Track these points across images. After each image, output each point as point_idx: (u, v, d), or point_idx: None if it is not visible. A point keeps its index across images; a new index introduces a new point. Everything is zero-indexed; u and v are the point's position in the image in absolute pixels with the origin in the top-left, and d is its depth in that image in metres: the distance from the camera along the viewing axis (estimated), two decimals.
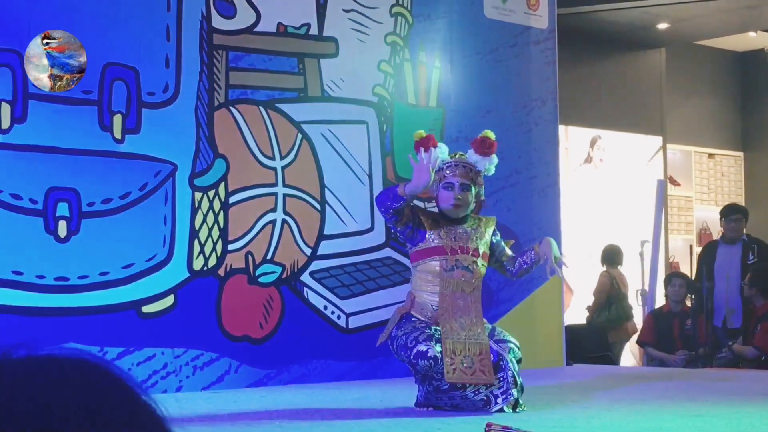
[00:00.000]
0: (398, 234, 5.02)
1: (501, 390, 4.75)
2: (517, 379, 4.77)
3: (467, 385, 4.74)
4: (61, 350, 0.83)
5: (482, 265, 4.93)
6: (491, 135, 4.96)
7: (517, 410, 4.77)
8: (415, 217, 4.87)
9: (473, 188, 4.90)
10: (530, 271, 5.16)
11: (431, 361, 4.68)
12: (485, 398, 4.74)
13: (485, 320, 4.95)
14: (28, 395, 0.77)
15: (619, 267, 9.46)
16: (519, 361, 4.84)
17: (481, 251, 4.93)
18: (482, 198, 5.03)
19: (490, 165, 4.95)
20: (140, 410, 0.81)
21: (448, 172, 4.87)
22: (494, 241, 5.05)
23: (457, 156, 4.94)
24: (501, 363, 4.76)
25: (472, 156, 4.94)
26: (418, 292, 4.91)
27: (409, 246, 4.97)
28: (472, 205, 4.94)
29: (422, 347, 4.69)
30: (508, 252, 5.11)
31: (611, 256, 9.42)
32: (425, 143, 4.84)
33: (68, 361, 0.81)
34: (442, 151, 4.89)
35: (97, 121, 5.64)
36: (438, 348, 4.71)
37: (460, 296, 4.82)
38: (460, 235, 4.89)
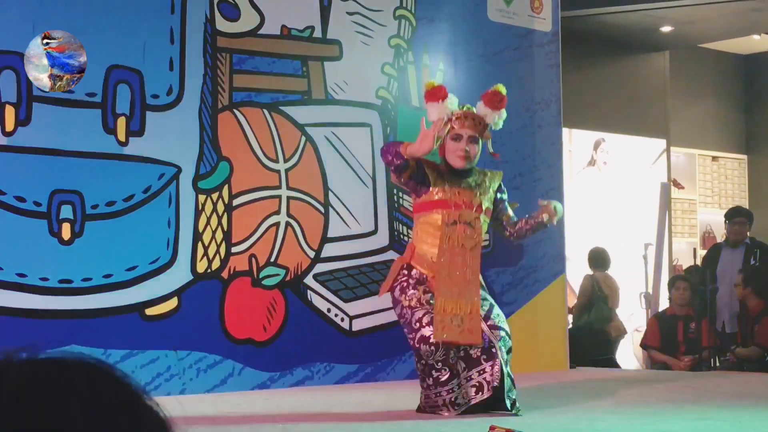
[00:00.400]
0: (403, 185, 4.97)
1: (491, 375, 4.71)
2: (504, 368, 4.73)
3: (461, 372, 4.72)
4: (63, 353, 0.83)
5: (485, 221, 4.89)
6: (502, 89, 4.90)
7: (513, 410, 4.74)
8: (419, 170, 4.81)
9: (480, 141, 4.86)
10: (531, 234, 5.11)
11: (433, 347, 4.68)
12: (477, 384, 4.72)
13: (489, 296, 4.91)
14: (32, 398, 0.77)
15: (606, 270, 9.36)
16: (509, 351, 4.82)
17: (484, 207, 4.88)
18: (491, 151, 4.95)
19: (499, 119, 4.89)
20: (143, 413, 0.81)
21: (456, 123, 4.81)
22: (498, 197, 5.00)
23: (466, 108, 4.89)
24: (492, 350, 4.74)
25: (481, 109, 4.87)
26: (419, 244, 4.86)
27: (414, 197, 4.94)
28: (477, 159, 4.90)
29: (426, 332, 4.69)
30: (510, 213, 5.06)
31: (596, 259, 9.36)
32: (436, 94, 4.81)
33: (71, 364, 0.81)
34: (452, 103, 4.84)
35: (101, 124, 5.64)
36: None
37: (459, 252, 4.76)
38: (464, 189, 4.84)
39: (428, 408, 4.80)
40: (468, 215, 4.79)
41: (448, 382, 4.74)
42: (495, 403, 4.76)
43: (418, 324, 4.71)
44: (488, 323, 4.78)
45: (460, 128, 4.80)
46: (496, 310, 4.88)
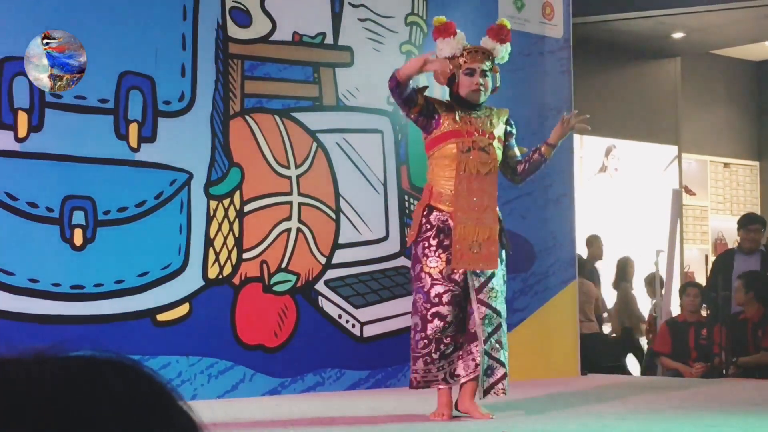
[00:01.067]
0: (413, 121, 5.00)
1: (500, 352, 4.80)
2: (481, 347, 4.76)
3: (464, 346, 4.78)
4: (96, 352, 0.83)
5: (498, 148, 4.92)
6: (507, 23, 5.02)
7: (489, 394, 4.78)
8: (428, 105, 4.87)
9: (490, 73, 4.91)
10: (535, 171, 5.10)
11: (446, 325, 4.74)
12: (475, 360, 4.78)
13: (503, 266, 4.89)
14: (64, 396, 0.77)
15: (585, 277, 9.27)
16: (498, 328, 4.81)
17: (496, 135, 4.92)
18: (497, 85, 5.00)
19: (505, 52, 4.97)
20: (175, 414, 0.81)
21: (468, 57, 4.88)
22: (508, 129, 5.02)
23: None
24: (495, 321, 4.79)
25: (488, 43, 4.95)
26: (435, 180, 4.87)
27: (425, 135, 4.95)
28: (489, 93, 4.94)
29: (443, 310, 4.73)
30: (516, 151, 5.06)
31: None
32: (447, 30, 4.91)
33: (104, 363, 0.81)
34: (461, 38, 4.92)
35: (113, 130, 5.66)
36: (452, 311, 4.71)
37: (475, 178, 4.80)
38: (475, 119, 4.89)
39: (424, 382, 4.83)
40: (481, 141, 4.84)
41: (451, 354, 4.81)
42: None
43: (437, 299, 4.74)
44: (477, 296, 4.79)
45: (473, 62, 4.87)
46: (493, 284, 4.83)
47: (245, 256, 6.06)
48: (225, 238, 6.00)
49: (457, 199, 4.77)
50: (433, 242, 4.78)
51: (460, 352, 4.82)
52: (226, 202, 6.02)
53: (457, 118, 4.85)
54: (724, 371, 7.84)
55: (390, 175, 6.70)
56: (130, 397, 0.79)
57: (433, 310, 4.75)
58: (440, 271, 4.76)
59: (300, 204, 6.31)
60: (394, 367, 6.55)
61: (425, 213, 4.83)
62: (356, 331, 6.47)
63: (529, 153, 5.05)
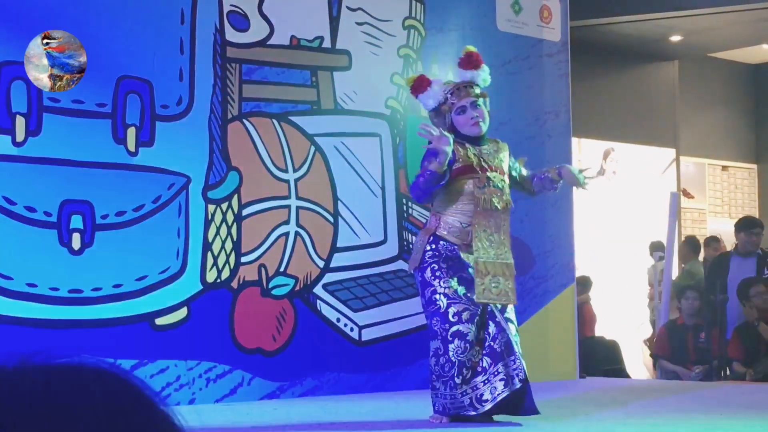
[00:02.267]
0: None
1: (514, 369, 4.72)
2: (523, 362, 4.77)
3: (488, 368, 4.70)
4: (79, 358, 0.83)
5: (508, 184, 4.95)
6: (472, 48, 5.07)
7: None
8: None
9: (480, 101, 4.93)
10: (548, 191, 5.17)
11: (467, 344, 4.67)
12: (505, 378, 4.71)
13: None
14: (46, 404, 0.77)
15: None
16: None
17: (505, 170, 4.96)
18: (488, 109, 5.02)
19: (485, 76, 5.00)
20: (158, 420, 0.81)
21: (453, 98, 4.89)
22: (510, 164, 5.05)
23: (449, 83, 4.98)
24: (512, 346, 4.74)
25: (464, 75, 4.98)
26: (446, 213, 4.84)
27: None
28: (488, 122, 4.96)
29: (463, 328, 4.68)
30: (524, 171, 5.11)
31: None
32: (421, 85, 4.93)
33: (87, 370, 0.81)
34: (438, 88, 4.93)
35: (111, 134, 5.66)
36: (474, 330, 4.68)
37: (491, 214, 4.80)
38: (486, 154, 4.90)
39: (454, 410, 4.74)
40: (495, 177, 4.85)
41: (472, 379, 4.71)
42: (519, 404, 4.77)
43: (456, 318, 4.69)
44: (503, 316, 4.79)
45: (459, 100, 4.88)
46: (511, 306, 4.88)
47: (243, 259, 6.06)
48: (223, 242, 6.00)
49: (476, 234, 4.75)
50: (443, 265, 4.77)
51: (486, 376, 4.71)
52: (225, 206, 6.02)
53: (470, 154, 4.83)
54: (724, 373, 7.84)
55: (388, 178, 6.69)
56: (111, 403, 0.79)
57: (453, 329, 4.68)
58: (455, 291, 4.73)
59: (298, 208, 6.30)
60: (393, 371, 6.55)
61: (431, 241, 4.80)
62: (355, 335, 6.46)
63: (544, 171, 5.10)
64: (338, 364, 6.35)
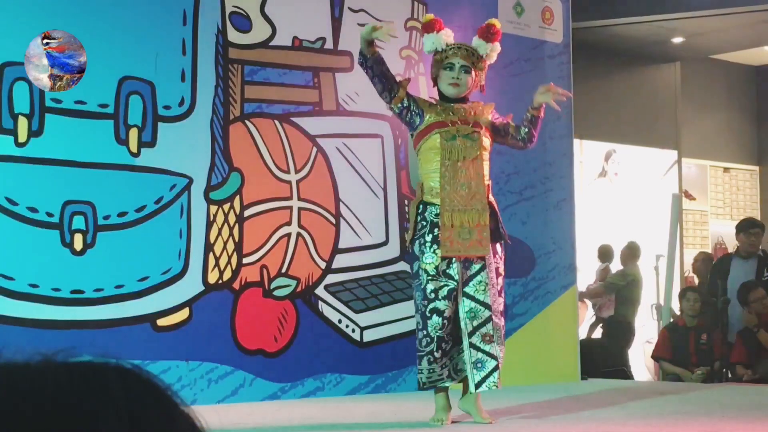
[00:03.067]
0: (399, 117, 5.05)
1: (490, 345, 4.79)
2: (465, 341, 4.79)
3: (467, 346, 4.77)
4: (102, 358, 0.83)
5: (485, 136, 4.93)
6: (497, 23, 5.11)
7: (482, 387, 4.78)
8: (412, 101, 4.94)
9: (473, 72, 4.98)
10: (536, 128, 5.12)
11: (445, 320, 4.76)
12: (478, 360, 4.78)
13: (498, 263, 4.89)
14: (68, 401, 0.78)
15: None
16: (486, 321, 4.81)
17: (482, 125, 4.94)
18: (482, 83, 5.08)
19: (492, 51, 5.04)
20: (180, 421, 0.82)
21: (450, 52, 4.97)
22: (497, 123, 5.04)
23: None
24: (483, 314, 4.79)
25: (475, 41, 5.04)
26: (425, 175, 4.91)
27: (411, 132, 5.01)
28: (468, 88, 4.99)
29: (441, 305, 4.76)
30: (507, 120, 5.11)
31: None
32: (433, 25, 5.02)
33: (108, 369, 0.82)
34: (447, 35, 5.02)
35: (114, 135, 5.66)
36: (450, 305, 4.74)
37: (461, 164, 4.82)
38: (458, 110, 4.94)
39: (430, 383, 4.85)
40: (465, 129, 4.87)
41: (451, 349, 4.83)
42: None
43: (434, 295, 4.77)
44: (464, 289, 4.82)
45: (453, 57, 4.96)
46: (482, 277, 4.83)
47: (245, 260, 6.06)
48: (225, 243, 6.00)
49: (443, 187, 4.79)
50: (428, 238, 4.80)
51: (461, 347, 4.84)
52: (226, 206, 6.02)
53: (440, 110, 4.91)
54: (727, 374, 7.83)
55: (390, 180, 6.70)
56: (132, 402, 0.79)
57: (431, 306, 4.77)
58: (435, 267, 4.78)
59: (300, 209, 6.31)
60: (394, 372, 6.55)
61: (419, 210, 4.86)
62: (356, 336, 6.46)
63: (523, 120, 5.09)
64: (340, 365, 6.35)
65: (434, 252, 4.78)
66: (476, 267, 4.82)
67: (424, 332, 4.81)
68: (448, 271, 4.79)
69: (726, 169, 12.51)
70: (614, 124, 10.94)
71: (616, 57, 10.85)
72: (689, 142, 11.74)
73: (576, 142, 8.37)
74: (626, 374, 8.73)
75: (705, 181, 12.23)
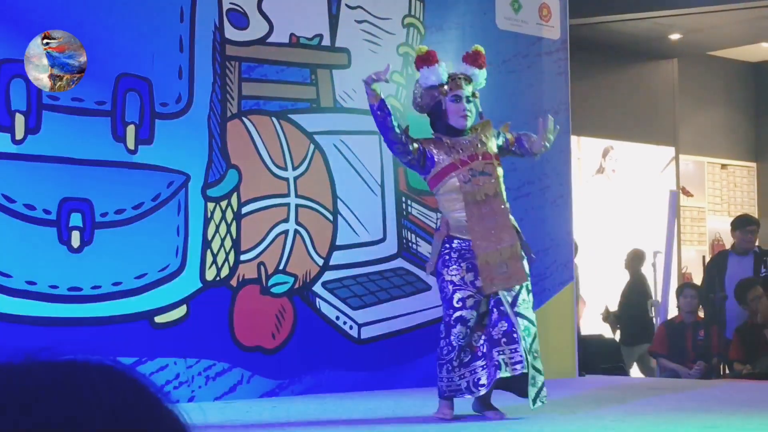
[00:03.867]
0: (409, 164, 5.07)
1: (513, 361, 4.77)
2: (527, 357, 4.78)
3: (486, 353, 4.79)
4: (84, 355, 0.83)
5: (497, 165, 5.02)
6: (481, 49, 5.16)
7: (534, 405, 4.80)
8: (419, 142, 4.97)
9: (472, 99, 5.02)
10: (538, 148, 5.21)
11: (468, 329, 4.79)
12: (497, 363, 4.76)
13: (525, 266, 4.96)
14: (51, 399, 0.77)
15: None
16: (534, 338, 4.89)
17: (492, 153, 5.02)
18: (480, 110, 5.13)
19: (482, 78, 5.11)
20: (162, 417, 0.82)
21: (453, 84, 4.98)
22: (500, 143, 5.12)
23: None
24: (514, 335, 4.79)
25: (465, 69, 5.08)
26: (449, 214, 4.98)
27: (424, 176, 5.06)
28: (473, 117, 5.05)
29: (466, 314, 4.79)
30: (509, 136, 5.17)
31: None
32: (430, 58, 5.01)
33: (92, 366, 0.82)
34: (443, 70, 5.01)
35: (111, 132, 5.66)
36: (476, 316, 4.79)
37: (484, 203, 4.89)
38: (464, 145, 4.97)
39: (449, 392, 4.85)
40: (478, 165, 4.93)
41: (471, 363, 4.82)
42: (518, 387, 4.87)
43: (460, 303, 4.80)
44: (513, 309, 4.85)
45: (458, 89, 4.97)
46: (523, 295, 4.92)
47: (243, 257, 6.06)
48: (222, 240, 6.00)
49: (472, 229, 4.86)
50: (454, 255, 4.89)
51: (484, 361, 4.81)
52: (224, 203, 6.02)
53: (447, 150, 4.94)
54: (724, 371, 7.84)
55: (387, 176, 6.69)
56: (115, 400, 0.79)
57: (456, 314, 4.80)
58: (462, 277, 4.84)
59: (297, 206, 6.30)
60: (392, 369, 6.55)
61: (445, 241, 4.93)
62: (354, 333, 6.47)
63: (525, 134, 5.19)
64: (337, 362, 6.35)
65: (459, 265, 4.86)
66: (516, 287, 4.90)
67: (447, 341, 4.83)
68: (475, 282, 4.84)
69: (723, 166, 12.51)
70: (612, 120, 10.94)
71: (613, 53, 10.85)
72: (687, 138, 11.74)
73: (573, 138, 8.37)
74: (624, 371, 8.74)
75: (702, 177, 12.24)
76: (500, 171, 5.01)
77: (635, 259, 9.46)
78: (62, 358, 0.82)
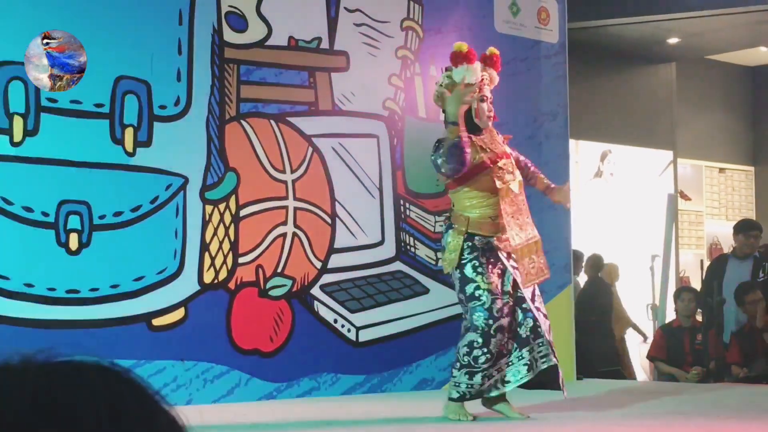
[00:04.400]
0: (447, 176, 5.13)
1: (540, 354, 4.97)
2: (552, 348, 5.02)
3: (513, 351, 4.96)
4: (81, 357, 0.83)
5: (516, 166, 5.21)
6: (496, 51, 5.30)
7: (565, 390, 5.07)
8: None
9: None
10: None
11: (506, 336, 4.91)
12: (529, 363, 4.96)
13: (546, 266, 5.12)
14: (48, 401, 0.78)
15: None
16: (550, 330, 5.08)
17: (509, 153, 5.21)
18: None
19: (496, 78, 5.25)
20: (159, 418, 0.82)
21: (482, 84, 5.11)
22: (518, 160, 5.32)
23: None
24: (539, 330, 4.96)
25: (485, 71, 5.19)
26: (471, 211, 5.02)
27: (459, 173, 5.08)
28: None
29: (505, 322, 4.92)
30: (521, 158, 5.37)
31: None
32: (468, 57, 5.08)
33: (89, 367, 0.82)
34: (476, 69, 5.10)
35: (109, 134, 5.66)
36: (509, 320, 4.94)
37: (514, 197, 5.05)
38: (489, 143, 5.11)
39: (474, 395, 4.94)
40: (505, 164, 5.09)
41: (497, 361, 4.94)
42: (549, 383, 5.07)
43: (500, 313, 4.91)
44: (534, 305, 5.01)
45: (485, 89, 5.12)
46: (537, 290, 5.11)
47: (241, 260, 6.06)
48: (220, 243, 5.99)
49: (508, 225, 4.96)
50: (483, 260, 4.94)
51: (510, 359, 4.98)
52: (222, 206, 6.02)
53: (477, 148, 5.02)
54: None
55: (385, 179, 6.70)
56: (112, 401, 0.79)
57: (497, 324, 4.90)
58: (497, 286, 4.94)
59: (295, 209, 6.30)
60: (390, 372, 6.55)
61: (466, 239, 4.98)
62: (352, 336, 6.46)
63: (537, 176, 5.42)
64: (335, 365, 6.35)
65: (491, 272, 4.95)
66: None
67: (485, 350, 4.89)
68: (506, 288, 4.97)
69: (721, 170, 12.52)
70: (610, 124, 10.94)
71: (611, 57, 10.86)
72: (685, 142, 11.75)
73: (572, 142, 8.37)
74: (622, 374, 8.73)
75: (700, 181, 12.24)
76: (518, 171, 5.19)
77: (594, 266, 9.37)
78: (59, 360, 0.83)
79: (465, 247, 4.95)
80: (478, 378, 4.89)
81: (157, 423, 0.81)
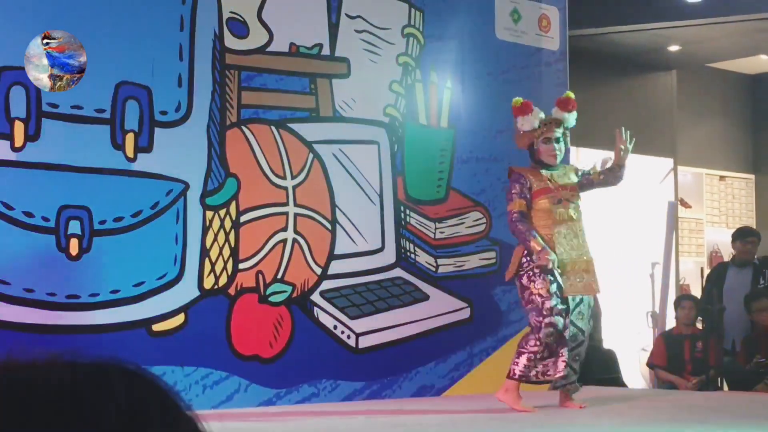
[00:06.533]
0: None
1: (577, 363, 5.68)
2: (571, 363, 5.64)
3: (560, 354, 5.58)
4: (106, 358, 0.84)
5: (578, 196, 5.80)
6: (571, 95, 5.96)
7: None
8: (524, 187, 5.69)
9: (562, 138, 5.80)
10: (605, 183, 5.99)
11: (559, 333, 5.54)
12: (566, 362, 5.59)
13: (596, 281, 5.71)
14: (71, 401, 0.78)
15: None
16: (580, 344, 5.70)
17: (575, 185, 5.80)
18: (569, 146, 6.03)
19: (572, 120, 5.87)
20: (182, 422, 0.82)
21: (545, 128, 5.75)
22: (580, 174, 5.88)
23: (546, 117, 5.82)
24: (579, 338, 5.65)
25: (558, 113, 5.83)
26: (534, 230, 5.64)
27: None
28: (563, 155, 5.86)
29: (554, 320, 5.52)
30: (596, 173, 5.94)
31: None
32: (524, 109, 5.76)
33: (112, 369, 0.83)
34: (536, 117, 5.75)
35: (110, 140, 5.66)
36: (561, 321, 5.55)
37: (569, 223, 5.67)
38: (557, 176, 5.77)
39: (524, 378, 5.57)
40: (566, 194, 5.72)
41: (545, 359, 5.61)
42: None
43: (548, 312, 5.53)
44: (570, 317, 5.62)
45: (549, 132, 5.75)
46: (581, 308, 5.67)
47: (241, 266, 6.06)
48: (221, 249, 6.00)
49: (559, 242, 5.60)
50: (536, 270, 5.56)
51: (553, 358, 5.61)
52: (222, 212, 6.02)
53: (542, 178, 5.71)
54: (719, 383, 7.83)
55: (386, 186, 6.70)
56: (134, 401, 0.80)
57: (546, 320, 5.52)
58: (547, 290, 5.55)
59: (296, 215, 6.31)
60: (389, 379, 6.55)
61: (525, 253, 5.59)
62: (352, 342, 6.46)
63: (603, 171, 5.98)
64: (335, 371, 6.35)
65: (543, 279, 5.55)
66: (578, 298, 5.67)
67: (536, 335, 5.55)
68: (557, 291, 5.58)
69: (722, 177, 12.52)
70: (610, 131, 10.93)
71: (612, 65, 10.87)
72: (685, 150, 11.75)
73: (572, 149, 8.38)
74: (620, 382, 8.73)
75: (701, 189, 12.24)
76: (580, 201, 5.79)
77: None
78: (84, 360, 0.84)
79: (523, 261, 5.58)
80: (523, 359, 5.58)
81: (178, 425, 0.82)
